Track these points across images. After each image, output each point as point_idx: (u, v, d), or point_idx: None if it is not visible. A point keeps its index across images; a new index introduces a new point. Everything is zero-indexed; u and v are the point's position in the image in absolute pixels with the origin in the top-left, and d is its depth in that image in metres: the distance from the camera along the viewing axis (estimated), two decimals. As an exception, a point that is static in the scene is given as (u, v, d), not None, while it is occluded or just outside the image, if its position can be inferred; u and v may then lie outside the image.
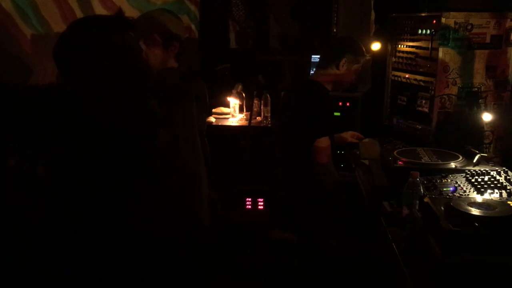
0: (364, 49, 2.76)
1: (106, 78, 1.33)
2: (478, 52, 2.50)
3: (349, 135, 2.99)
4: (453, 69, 2.51)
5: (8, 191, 1.43)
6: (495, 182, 1.91)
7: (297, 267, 2.94)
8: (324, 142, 2.58)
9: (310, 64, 3.92)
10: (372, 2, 3.57)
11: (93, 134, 1.30)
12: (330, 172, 2.67)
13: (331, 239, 2.99)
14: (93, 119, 1.33)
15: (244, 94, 4.11)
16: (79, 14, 2.76)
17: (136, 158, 1.35)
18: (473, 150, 2.28)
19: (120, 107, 1.36)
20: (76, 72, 1.33)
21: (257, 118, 4.02)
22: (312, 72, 3.87)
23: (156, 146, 1.52)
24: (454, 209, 1.52)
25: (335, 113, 3.36)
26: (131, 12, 3.34)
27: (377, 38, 3.16)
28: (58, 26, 2.54)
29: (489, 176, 1.97)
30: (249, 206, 3.85)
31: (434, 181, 1.97)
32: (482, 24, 2.47)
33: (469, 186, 1.91)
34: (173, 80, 2.17)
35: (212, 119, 3.94)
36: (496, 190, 1.84)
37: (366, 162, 2.59)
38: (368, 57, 2.79)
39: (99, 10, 2.97)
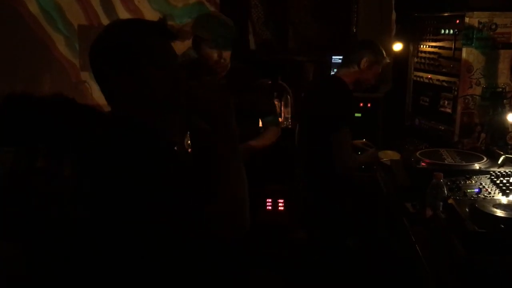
0: (384, 52, 2.77)
1: (143, 85, 1.29)
2: (502, 52, 2.47)
3: (360, 143, 2.98)
4: (477, 69, 2.48)
5: (36, 192, 1.45)
6: (521, 183, 1.88)
7: (313, 266, 2.93)
8: (344, 145, 2.57)
9: (330, 64, 3.91)
10: (393, 2, 3.55)
11: (124, 140, 1.28)
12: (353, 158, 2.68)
13: (349, 238, 2.98)
14: (126, 125, 1.32)
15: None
16: (102, 17, 2.81)
17: (169, 171, 1.32)
18: (498, 151, 2.25)
19: (153, 117, 1.35)
20: (110, 74, 1.29)
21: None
22: (333, 73, 3.87)
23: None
24: (479, 211, 1.50)
25: (356, 114, 3.36)
26: (152, 14, 3.38)
27: (398, 38, 3.14)
28: (83, 29, 2.59)
29: (515, 178, 1.94)
30: (270, 207, 3.85)
31: (458, 182, 1.95)
32: (507, 23, 2.43)
33: (494, 188, 1.89)
34: (213, 93, 2.17)
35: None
36: (521, 192, 1.81)
37: (388, 162, 2.58)
38: (388, 60, 2.79)
39: (122, 12, 3.02)
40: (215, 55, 2.38)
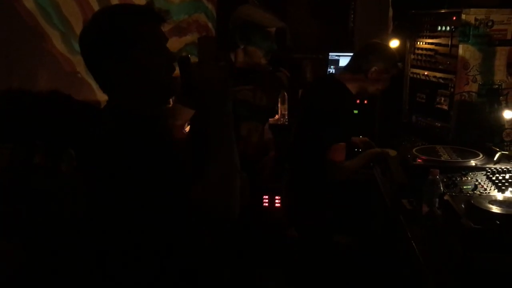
0: (397, 58, 2.68)
1: (135, 69, 1.28)
2: (499, 49, 2.47)
3: (360, 142, 2.96)
4: (474, 66, 2.48)
5: (33, 188, 1.45)
6: (517, 180, 1.89)
7: (302, 264, 2.91)
8: (338, 155, 2.53)
9: (327, 62, 3.91)
10: (390, -1, 3.55)
11: (121, 127, 1.27)
12: (344, 170, 2.63)
13: (342, 236, 2.98)
14: (122, 112, 1.31)
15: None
16: (99, 13, 2.80)
17: (167, 157, 1.31)
18: (494, 148, 2.26)
19: (149, 102, 1.33)
20: (102, 61, 1.27)
21: (275, 116, 4.02)
22: (330, 70, 3.87)
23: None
24: (475, 207, 1.51)
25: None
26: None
27: (395, 35, 3.13)
28: (79, 25, 2.58)
29: (511, 174, 1.95)
30: (266, 204, 3.85)
31: (454, 179, 1.96)
32: (503, 20, 2.43)
33: (490, 184, 1.90)
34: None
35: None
36: (517, 188, 1.82)
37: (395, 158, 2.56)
38: (400, 65, 2.71)
39: (119, 9, 3.01)
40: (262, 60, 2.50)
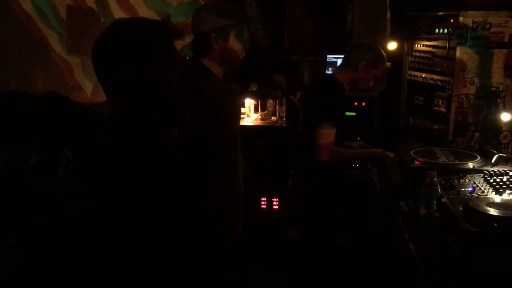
0: (385, 57, 2.74)
1: (147, 82, 1.29)
2: (496, 51, 2.48)
3: (356, 145, 2.97)
4: (471, 68, 2.49)
5: (30, 188, 1.45)
6: (514, 182, 1.89)
7: (306, 265, 2.93)
8: (325, 138, 2.54)
9: (325, 63, 3.91)
10: (388, 1, 3.55)
11: (125, 134, 1.27)
12: (334, 154, 2.61)
13: (341, 237, 2.98)
14: (129, 122, 1.31)
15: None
16: (97, 14, 2.79)
17: (171, 168, 1.31)
18: (492, 150, 2.26)
19: (157, 113, 1.34)
20: (115, 70, 1.28)
21: (272, 118, 4.03)
22: (328, 72, 3.87)
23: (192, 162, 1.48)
24: (473, 209, 1.51)
25: (350, 113, 3.36)
26: (147, 12, 3.37)
27: (393, 37, 3.14)
28: (77, 27, 2.58)
29: (508, 177, 1.95)
30: (264, 206, 3.85)
31: (451, 181, 1.95)
32: (501, 23, 2.44)
33: (488, 187, 1.90)
34: (217, 93, 2.15)
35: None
36: (515, 191, 1.82)
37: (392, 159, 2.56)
38: (388, 65, 2.77)
39: (117, 11, 3.00)
40: (240, 47, 2.22)
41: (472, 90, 2.52)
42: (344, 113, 2.79)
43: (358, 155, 2.79)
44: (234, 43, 2.18)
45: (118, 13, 3.01)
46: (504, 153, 2.36)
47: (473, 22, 2.43)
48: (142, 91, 1.30)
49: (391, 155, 2.57)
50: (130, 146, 1.26)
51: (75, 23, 2.58)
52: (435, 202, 1.79)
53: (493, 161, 2.16)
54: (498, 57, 2.49)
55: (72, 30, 2.58)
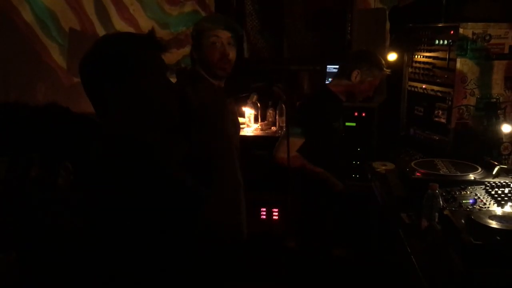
0: (383, 64, 2.74)
1: (136, 96, 1.29)
2: (496, 62, 2.48)
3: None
4: (471, 79, 2.49)
5: (30, 201, 1.44)
6: (516, 194, 1.89)
7: (300, 276, 2.91)
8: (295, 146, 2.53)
9: (325, 74, 3.92)
10: (387, 12, 3.57)
11: (119, 151, 1.27)
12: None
13: (336, 249, 2.97)
14: (119, 137, 1.31)
15: (259, 104, 4.12)
16: (97, 25, 2.80)
17: (165, 184, 1.31)
18: (492, 161, 2.26)
19: (146, 127, 1.34)
20: (103, 87, 1.28)
21: (272, 128, 4.03)
22: (328, 82, 3.88)
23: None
24: (475, 222, 1.50)
25: (350, 123, 3.36)
26: (148, 23, 3.38)
27: (393, 48, 3.15)
28: (78, 38, 2.58)
29: (509, 188, 1.94)
30: (264, 216, 3.84)
31: (453, 193, 1.95)
32: (501, 34, 2.45)
33: (489, 199, 1.89)
34: (209, 97, 2.17)
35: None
36: (517, 203, 1.82)
37: (383, 171, 2.57)
38: (387, 71, 2.76)
39: (117, 21, 3.01)
40: (216, 47, 2.23)
41: (472, 101, 2.52)
42: (330, 124, 2.77)
43: (310, 168, 2.76)
44: (207, 50, 2.22)
45: (119, 23, 3.02)
46: (505, 164, 2.36)
47: (473, 33, 2.44)
48: (127, 108, 1.30)
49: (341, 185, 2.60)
50: (117, 166, 1.25)
51: (76, 34, 2.58)
52: (437, 214, 1.78)
53: (494, 172, 2.16)
54: (498, 68, 2.49)
55: (73, 41, 2.58)
